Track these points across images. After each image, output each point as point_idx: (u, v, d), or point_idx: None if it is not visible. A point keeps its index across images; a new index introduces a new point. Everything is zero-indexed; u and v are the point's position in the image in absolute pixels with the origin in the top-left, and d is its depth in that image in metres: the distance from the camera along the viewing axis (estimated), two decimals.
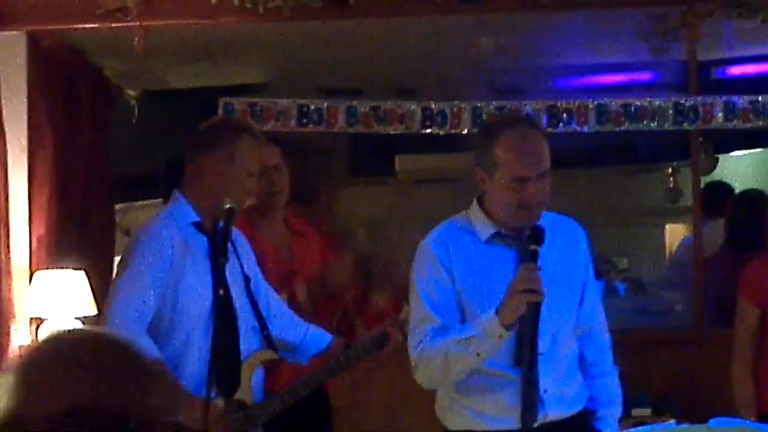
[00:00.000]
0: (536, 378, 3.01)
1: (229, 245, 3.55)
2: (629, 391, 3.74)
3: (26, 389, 1.49)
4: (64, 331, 1.87)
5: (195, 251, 3.52)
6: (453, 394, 3.14)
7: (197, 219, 3.50)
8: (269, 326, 3.66)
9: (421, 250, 3.20)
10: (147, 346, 3.37)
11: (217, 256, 3.41)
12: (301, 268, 4.15)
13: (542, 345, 3.04)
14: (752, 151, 6.78)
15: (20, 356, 1.75)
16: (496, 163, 2.99)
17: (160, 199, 5.21)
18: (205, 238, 3.50)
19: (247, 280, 3.61)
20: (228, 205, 3.30)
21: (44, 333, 4.95)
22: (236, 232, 3.66)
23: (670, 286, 5.99)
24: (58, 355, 1.55)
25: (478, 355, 2.97)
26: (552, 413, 3.05)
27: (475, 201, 3.18)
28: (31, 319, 4.78)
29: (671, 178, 6.72)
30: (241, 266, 3.59)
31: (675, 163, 6.55)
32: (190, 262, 3.51)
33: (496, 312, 2.89)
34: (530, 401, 3.02)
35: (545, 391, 3.04)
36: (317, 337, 3.80)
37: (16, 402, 1.48)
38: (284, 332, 3.72)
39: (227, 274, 3.46)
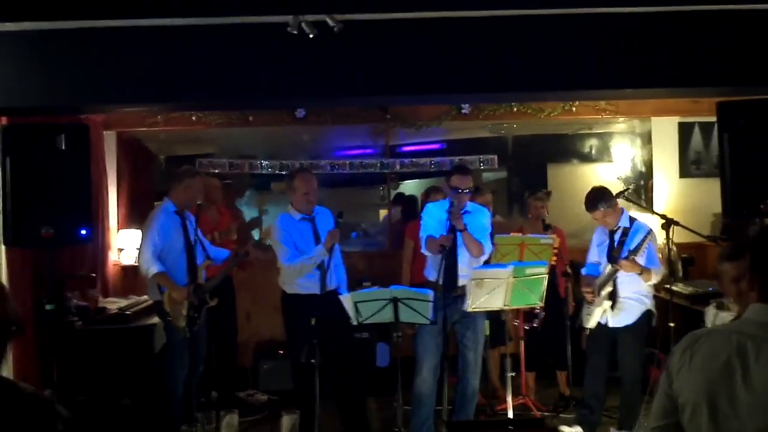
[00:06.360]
0: (326, 270, 4.90)
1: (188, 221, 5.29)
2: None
3: None
4: None
5: (176, 223, 5.36)
6: (294, 279, 5.18)
7: (175, 209, 5.40)
8: (207, 251, 5.56)
9: (275, 222, 5.37)
10: (158, 265, 5.26)
11: (185, 225, 5.32)
12: (219, 226, 6.56)
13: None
14: (417, 180, 9.00)
15: None
16: (297, 186, 5.23)
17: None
18: (179, 218, 5.38)
19: (196, 234, 5.36)
20: (198, 203, 5.34)
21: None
22: (189, 214, 5.37)
23: (381, 233, 8.55)
24: None
25: (314, 263, 5.08)
26: (333, 285, 5.16)
27: (290, 203, 5.35)
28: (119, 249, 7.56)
29: (382, 191, 8.51)
30: (194, 229, 5.37)
31: (382, 185, 8.49)
32: (174, 228, 5.35)
33: (323, 245, 5.06)
34: (325, 280, 4.96)
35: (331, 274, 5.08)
36: (224, 253, 5.79)
37: None
38: (211, 252, 5.61)
39: (189, 232, 5.30)
